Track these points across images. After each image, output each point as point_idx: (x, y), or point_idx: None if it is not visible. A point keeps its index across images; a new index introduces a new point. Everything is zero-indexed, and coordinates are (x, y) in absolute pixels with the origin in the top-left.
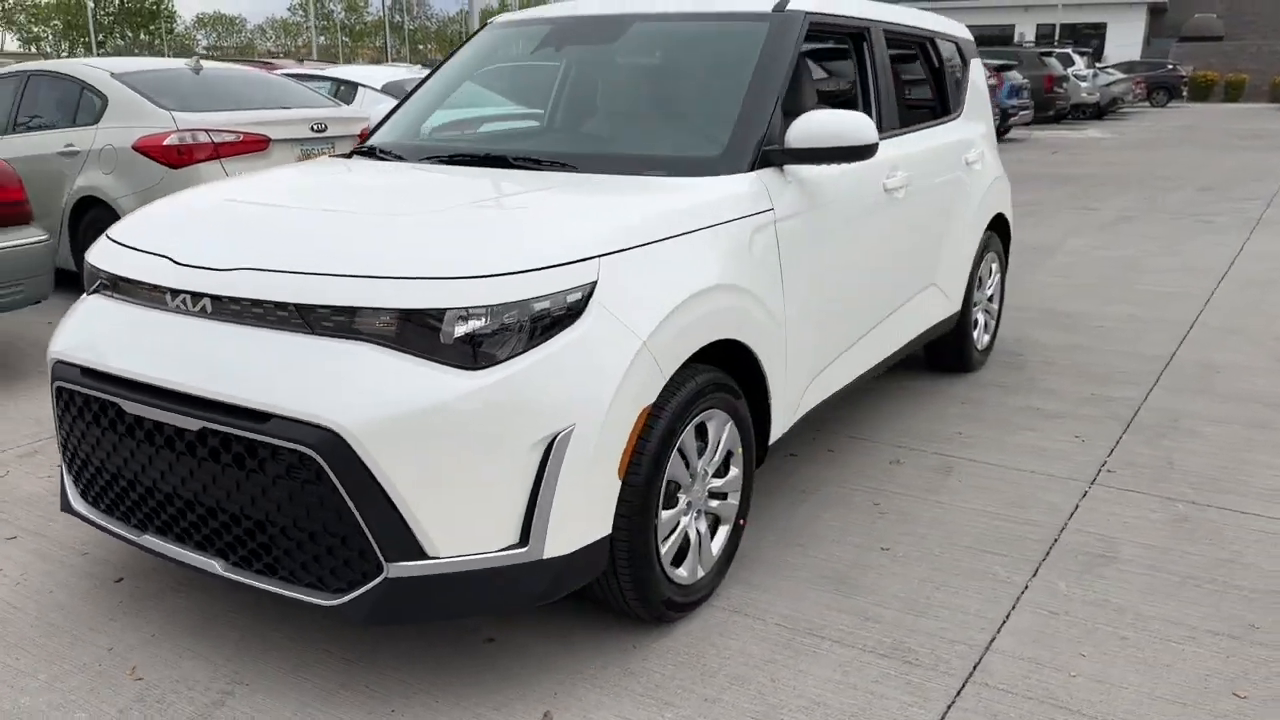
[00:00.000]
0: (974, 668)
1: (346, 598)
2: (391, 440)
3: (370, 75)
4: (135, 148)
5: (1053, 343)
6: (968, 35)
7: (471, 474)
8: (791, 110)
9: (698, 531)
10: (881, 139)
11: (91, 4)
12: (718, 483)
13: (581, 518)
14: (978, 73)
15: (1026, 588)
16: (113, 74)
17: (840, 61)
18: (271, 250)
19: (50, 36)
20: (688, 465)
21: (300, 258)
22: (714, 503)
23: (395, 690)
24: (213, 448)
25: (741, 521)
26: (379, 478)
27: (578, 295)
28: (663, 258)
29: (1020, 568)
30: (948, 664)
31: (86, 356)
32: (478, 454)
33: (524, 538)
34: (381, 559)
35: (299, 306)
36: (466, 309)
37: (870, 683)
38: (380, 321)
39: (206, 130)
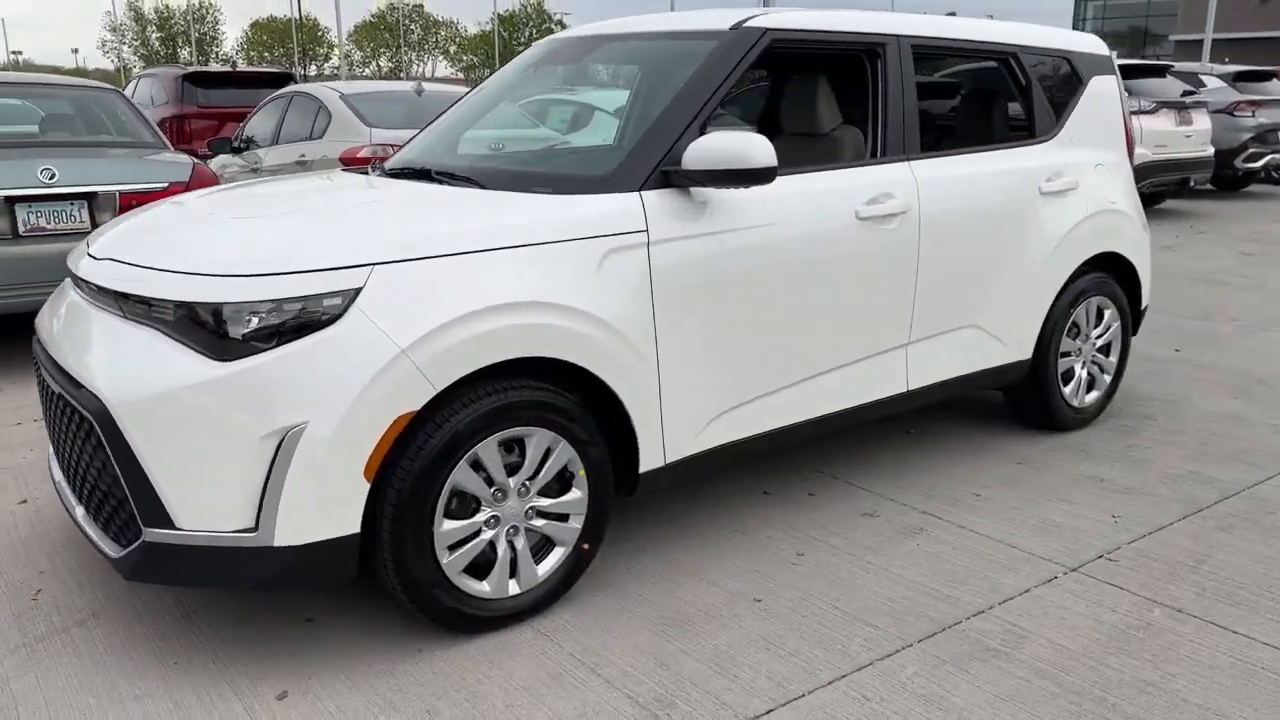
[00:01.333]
0: None
1: (122, 553)
2: (143, 416)
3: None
4: (340, 158)
5: (1212, 409)
6: (1092, 49)
7: (210, 457)
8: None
9: (513, 548)
10: (881, 163)
11: (504, 35)
12: (545, 502)
13: (317, 512)
14: (1102, 92)
15: (866, 666)
16: (340, 95)
17: (851, 79)
18: (140, 247)
19: (474, 64)
20: (490, 480)
21: (148, 253)
22: (540, 522)
23: (215, 659)
24: (63, 411)
25: (586, 546)
26: (134, 449)
27: (337, 300)
28: (455, 270)
29: (882, 645)
30: None
31: (40, 333)
32: (215, 439)
33: (257, 523)
34: (140, 523)
35: (118, 294)
36: (220, 304)
37: None
38: (166, 311)
39: (394, 145)
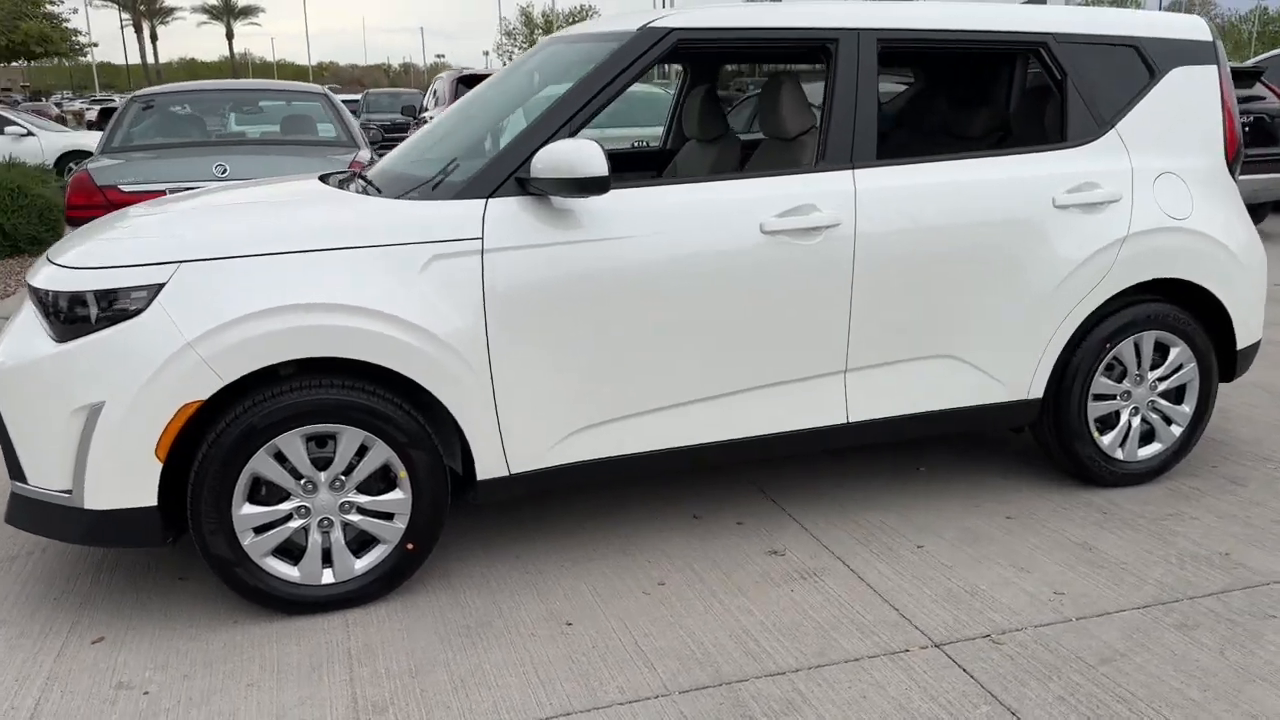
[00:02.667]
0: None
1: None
2: (7, 385)
3: None
4: None
5: None
6: (1177, 34)
7: (43, 424)
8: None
9: (328, 539)
10: (810, 171)
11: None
12: (363, 499)
13: (116, 483)
14: (1187, 86)
15: (596, 709)
16: None
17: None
18: (64, 246)
19: None
20: (297, 474)
21: (59, 251)
22: (357, 517)
23: (66, 604)
24: None
25: (411, 546)
26: (1, 413)
27: (143, 294)
28: (260, 270)
29: (638, 690)
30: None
31: None
32: (46, 408)
33: (73, 486)
34: (9, 476)
35: (29, 286)
36: (59, 292)
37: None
38: (39, 298)
39: None
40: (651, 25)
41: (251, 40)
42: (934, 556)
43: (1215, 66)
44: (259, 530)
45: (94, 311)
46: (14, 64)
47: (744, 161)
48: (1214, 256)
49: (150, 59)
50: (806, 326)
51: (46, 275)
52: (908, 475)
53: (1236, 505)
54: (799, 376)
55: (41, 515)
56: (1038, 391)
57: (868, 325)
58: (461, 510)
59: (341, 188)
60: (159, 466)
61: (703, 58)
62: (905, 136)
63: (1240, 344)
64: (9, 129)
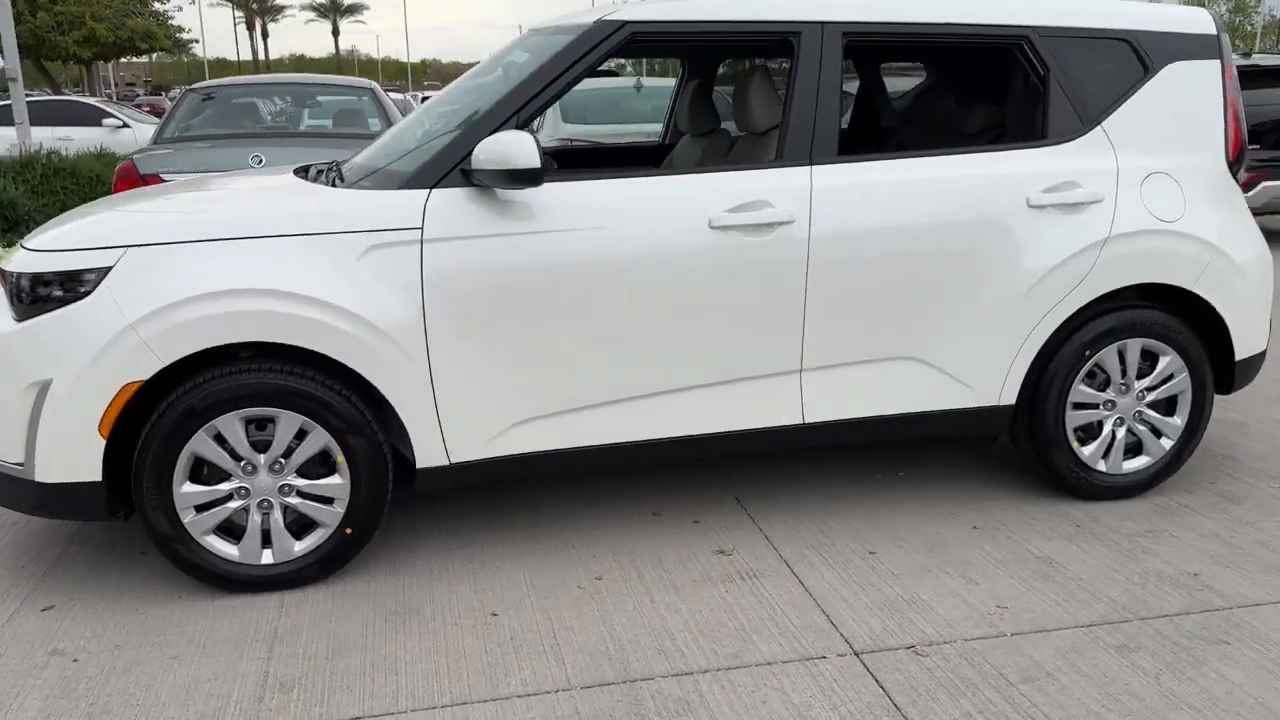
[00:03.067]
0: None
1: None
2: None
3: None
4: None
5: None
6: (1175, 28)
7: (3, 398)
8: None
9: (267, 520)
10: (765, 167)
11: None
12: (302, 483)
13: (63, 459)
14: (1184, 81)
15: (496, 700)
16: None
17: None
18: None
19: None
20: (237, 456)
21: (38, 236)
22: (296, 500)
23: (26, 573)
24: None
25: (349, 531)
26: None
27: (91, 276)
28: (201, 255)
29: (541, 684)
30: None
31: None
32: (4, 383)
33: (25, 459)
34: None
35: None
36: (18, 274)
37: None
38: (9, 280)
39: (572, 140)
40: (606, 18)
41: (357, 37)
42: (884, 563)
43: (1218, 61)
44: (200, 509)
45: (49, 292)
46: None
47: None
48: (1208, 262)
49: (261, 55)
50: (758, 324)
51: (15, 258)
52: (886, 481)
53: (1223, 524)
54: (751, 375)
55: (2, 486)
56: (1010, 398)
57: (824, 325)
58: (420, 497)
59: (318, 179)
60: (102, 443)
61: (700, 51)
62: (912, 132)
63: (1240, 355)
64: (106, 121)
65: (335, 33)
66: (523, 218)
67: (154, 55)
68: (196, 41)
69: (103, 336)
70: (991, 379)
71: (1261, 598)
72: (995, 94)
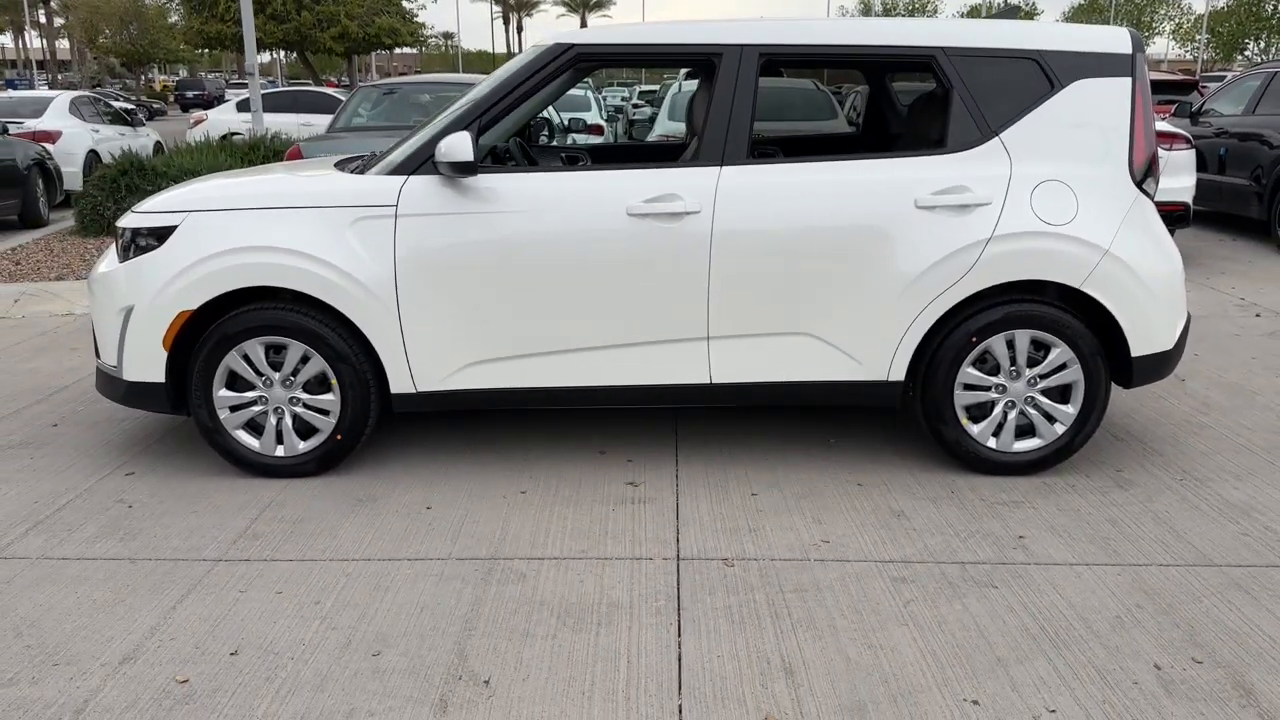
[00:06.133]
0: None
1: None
2: (94, 286)
3: None
4: None
5: (1173, 477)
6: (1086, 47)
7: (105, 318)
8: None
9: (280, 423)
10: (678, 166)
11: None
12: (305, 396)
13: (141, 364)
14: (1088, 99)
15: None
16: None
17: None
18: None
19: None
20: (259, 372)
21: (144, 201)
22: (299, 409)
23: (115, 450)
24: None
25: (339, 437)
26: (91, 306)
27: (164, 233)
28: (238, 220)
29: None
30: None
31: None
32: (106, 307)
33: (118, 362)
34: (95, 355)
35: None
36: (120, 229)
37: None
38: (117, 233)
39: (668, 137)
40: (559, 41)
41: None
42: (757, 503)
43: (1130, 79)
44: (233, 409)
45: (139, 243)
46: (408, 51)
47: None
48: (1096, 263)
49: (515, 47)
50: (669, 296)
51: (123, 219)
52: (811, 445)
53: (1092, 504)
54: (666, 338)
55: (105, 382)
56: (898, 374)
57: (725, 301)
58: (417, 423)
59: (344, 166)
60: (165, 355)
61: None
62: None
63: (1136, 351)
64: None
65: (584, 25)
66: (475, 200)
67: (421, 48)
68: (436, 37)
69: (165, 276)
70: (879, 356)
71: (1062, 560)
72: (912, 106)
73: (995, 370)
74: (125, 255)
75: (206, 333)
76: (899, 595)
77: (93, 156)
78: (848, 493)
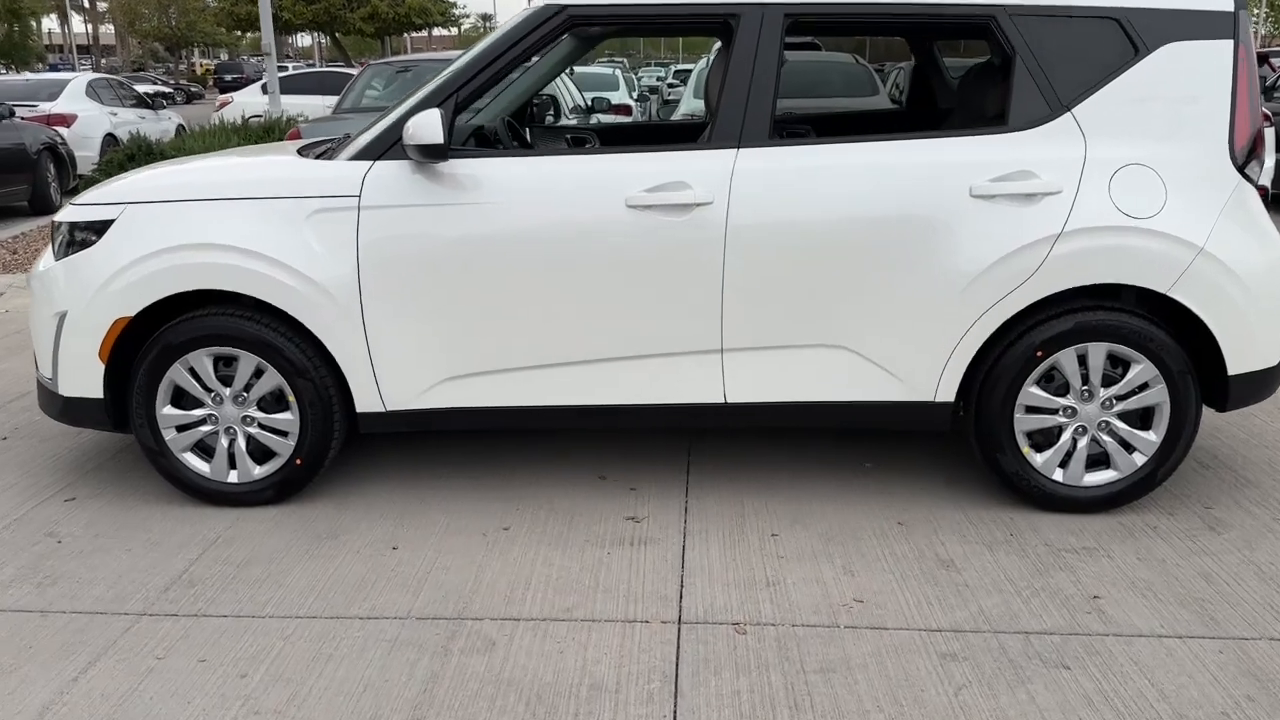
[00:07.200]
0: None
1: None
2: (32, 289)
3: None
4: None
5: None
6: (1177, 4)
7: (40, 324)
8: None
9: (232, 445)
10: (687, 149)
11: None
12: (261, 414)
13: (77, 377)
14: (1180, 66)
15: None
16: None
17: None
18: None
19: None
20: (207, 387)
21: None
22: (255, 430)
23: (54, 474)
24: None
25: (299, 462)
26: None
27: (99, 227)
28: (169, 213)
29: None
30: None
31: None
32: (40, 312)
33: (52, 374)
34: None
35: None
36: (57, 223)
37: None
38: (52, 228)
39: (693, 115)
40: (549, 2)
41: None
42: (778, 545)
43: (1231, 41)
44: (180, 429)
45: (75, 238)
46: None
47: None
48: (1189, 263)
49: None
50: (676, 302)
51: (61, 210)
52: (845, 469)
53: (1180, 552)
54: (673, 351)
55: (44, 397)
56: (947, 395)
57: (743, 307)
58: (390, 441)
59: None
60: (102, 367)
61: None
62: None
63: (1234, 369)
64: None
65: None
66: (449, 189)
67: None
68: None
69: (100, 277)
70: (925, 374)
71: (1149, 630)
72: (966, 77)
73: (1063, 390)
74: (63, 253)
75: (146, 344)
76: (948, 679)
77: (110, 140)
78: (886, 534)
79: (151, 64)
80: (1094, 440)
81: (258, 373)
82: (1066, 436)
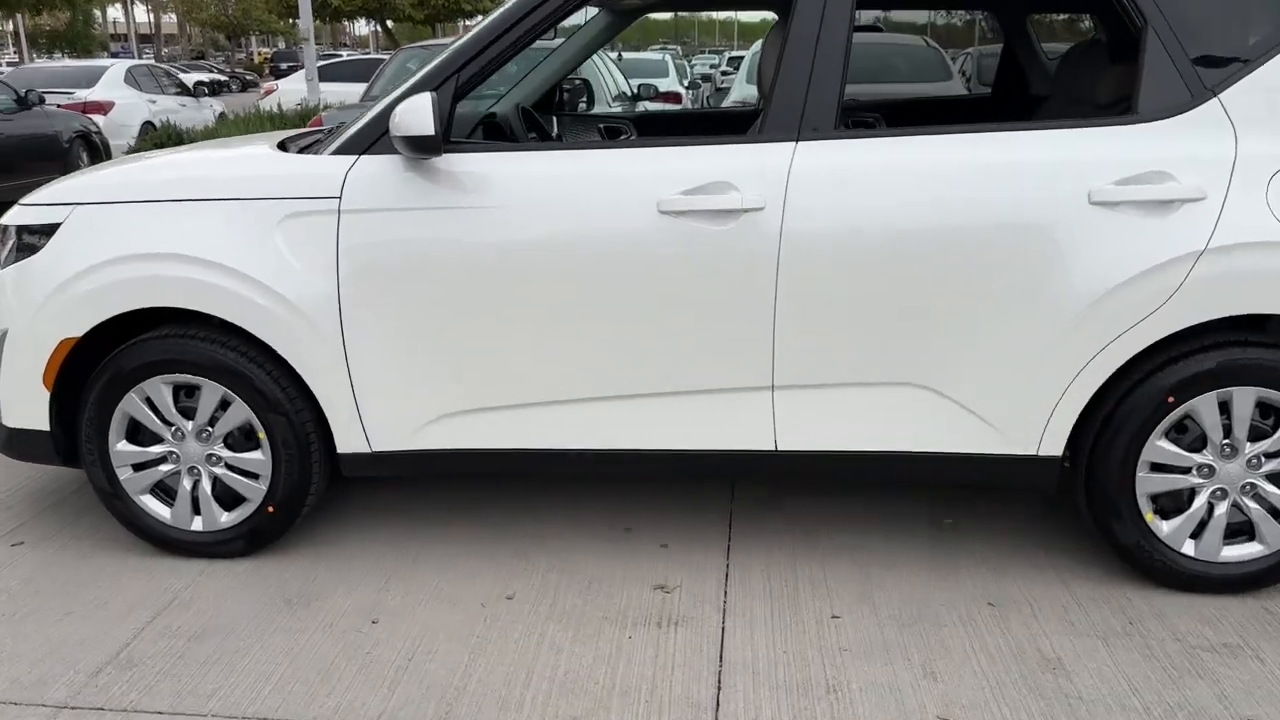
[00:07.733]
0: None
1: None
2: None
3: None
4: None
5: None
6: None
7: None
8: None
9: (196, 486)
10: (735, 142)
11: None
12: (228, 453)
13: (20, 405)
14: None
15: None
16: None
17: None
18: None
19: None
20: (167, 421)
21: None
22: (221, 471)
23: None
24: None
25: (271, 509)
26: None
27: (45, 231)
28: (120, 216)
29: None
30: None
31: None
32: None
33: None
34: None
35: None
36: (4, 227)
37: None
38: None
39: (745, 103)
40: None
41: None
42: (840, 633)
43: None
44: (137, 468)
45: (21, 243)
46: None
47: None
48: None
49: None
50: (717, 329)
51: (9, 213)
52: (921, 527)
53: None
54: (713, 387)
55: None
56: (1054, 448)
57: (800, 335)
58: (386, 483)
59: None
60: (47, 395)
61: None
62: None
63: None
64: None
65: None
66: (446, 191)
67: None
68: None
69: (42, 292)
70: (1026, 421)
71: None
72: (1070, 55)
73: (1199, 444)
74: (10, 259)
75: (97, 369)
76: None
77: (149, 128)
78: (974, 619)
79: (212, 52)
80: (1235, 506)
81: (224, 404)
82: (1201, 501)
